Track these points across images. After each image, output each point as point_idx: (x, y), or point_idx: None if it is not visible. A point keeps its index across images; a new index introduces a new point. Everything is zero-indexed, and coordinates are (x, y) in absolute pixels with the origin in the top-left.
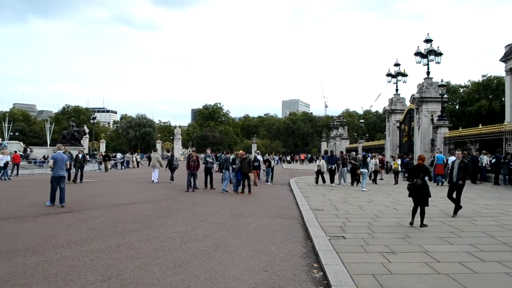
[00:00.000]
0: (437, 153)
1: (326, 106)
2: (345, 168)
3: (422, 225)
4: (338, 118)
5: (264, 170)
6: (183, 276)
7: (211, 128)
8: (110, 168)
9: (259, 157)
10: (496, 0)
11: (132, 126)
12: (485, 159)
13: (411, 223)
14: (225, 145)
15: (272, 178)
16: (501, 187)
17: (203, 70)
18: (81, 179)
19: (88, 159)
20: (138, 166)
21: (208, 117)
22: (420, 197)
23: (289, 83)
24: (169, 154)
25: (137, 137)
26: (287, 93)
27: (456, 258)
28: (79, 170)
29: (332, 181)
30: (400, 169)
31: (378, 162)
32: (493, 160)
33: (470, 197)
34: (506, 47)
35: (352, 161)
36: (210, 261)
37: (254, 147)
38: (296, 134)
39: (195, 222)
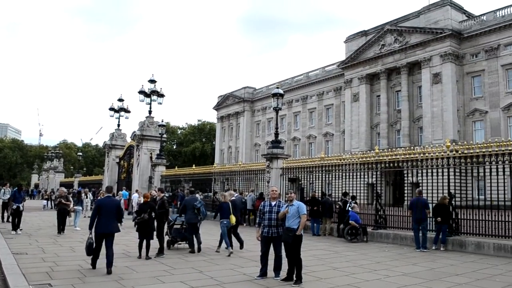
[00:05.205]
0: (122, 189)
1: (41, 135)
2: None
3: (148, 257)
4: (54, 149)
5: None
6: None
7: None
8: None
9: None
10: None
11: None
12: (198, 197)
13: (139, 257)
14: None
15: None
16: (208, 222)
17: None
18: None
19: None
20: None
21: None
22: (146, 231)
23: None
24: None
25: None
26: None
27: None
28: None
29: (13, 227)
30: None
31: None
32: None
33: None
34: (218, 97)
35: (61, 199)
36: None
37: None
38: (2, 164)
39: None
